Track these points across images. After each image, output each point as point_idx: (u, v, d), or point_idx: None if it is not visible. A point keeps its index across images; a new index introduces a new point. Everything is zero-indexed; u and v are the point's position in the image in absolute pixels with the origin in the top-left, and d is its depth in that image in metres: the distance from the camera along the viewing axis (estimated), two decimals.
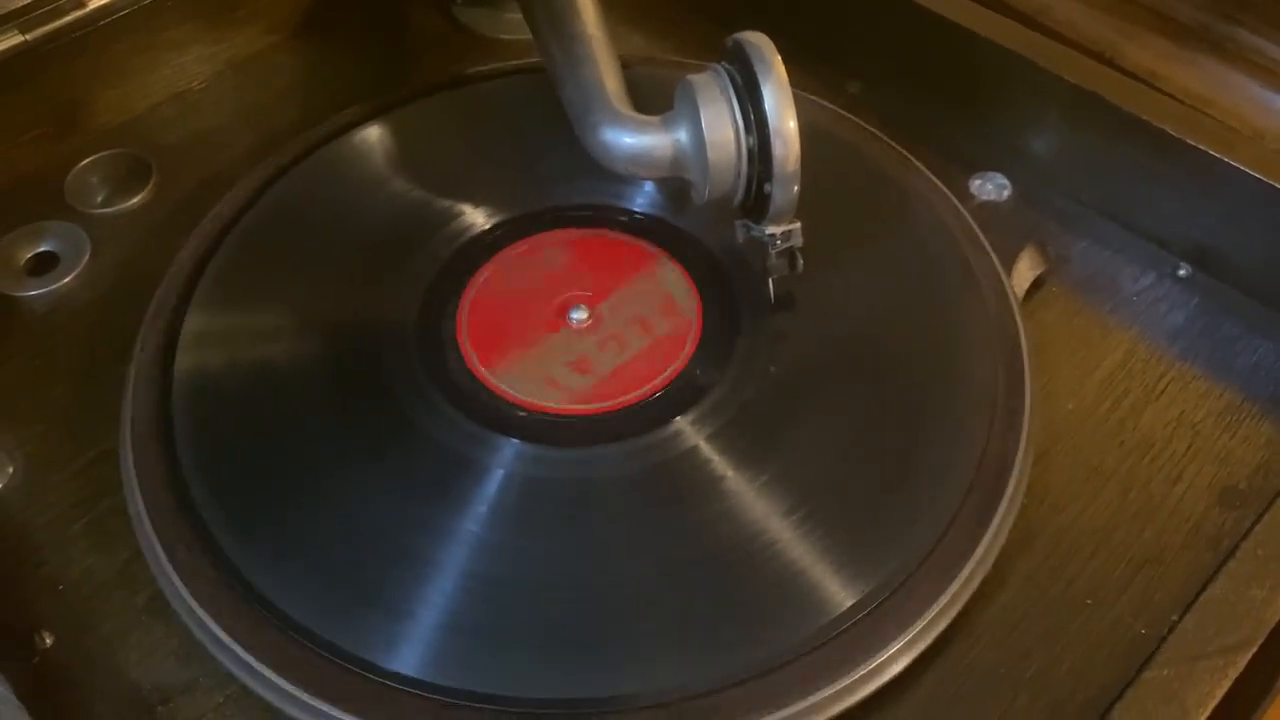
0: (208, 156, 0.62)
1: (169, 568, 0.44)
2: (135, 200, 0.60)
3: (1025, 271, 0.54)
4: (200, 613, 0.42)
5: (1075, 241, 0.56)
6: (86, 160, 0.61)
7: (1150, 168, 0.54)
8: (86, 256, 0.57)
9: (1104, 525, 0.46)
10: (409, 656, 0.41)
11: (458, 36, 0.69)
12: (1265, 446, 0.48)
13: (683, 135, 0.47)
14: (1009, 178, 0.58)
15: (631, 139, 0.47)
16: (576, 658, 0.41)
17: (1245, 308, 0.53)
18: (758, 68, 0.44)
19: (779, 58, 0.45)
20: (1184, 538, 0.46)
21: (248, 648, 0.41)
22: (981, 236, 0.53)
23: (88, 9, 0.61)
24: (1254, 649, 0.39)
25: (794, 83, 0.45)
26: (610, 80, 0.49)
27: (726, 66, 0.46)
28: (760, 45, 0.45)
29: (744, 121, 0.45)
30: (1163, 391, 0.50)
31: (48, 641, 0.44)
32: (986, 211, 0.57)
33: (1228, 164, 0.51)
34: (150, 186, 0.60)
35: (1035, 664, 0.43)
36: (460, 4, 0.69)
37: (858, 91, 0.63)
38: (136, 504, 0.45)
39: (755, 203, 0.47)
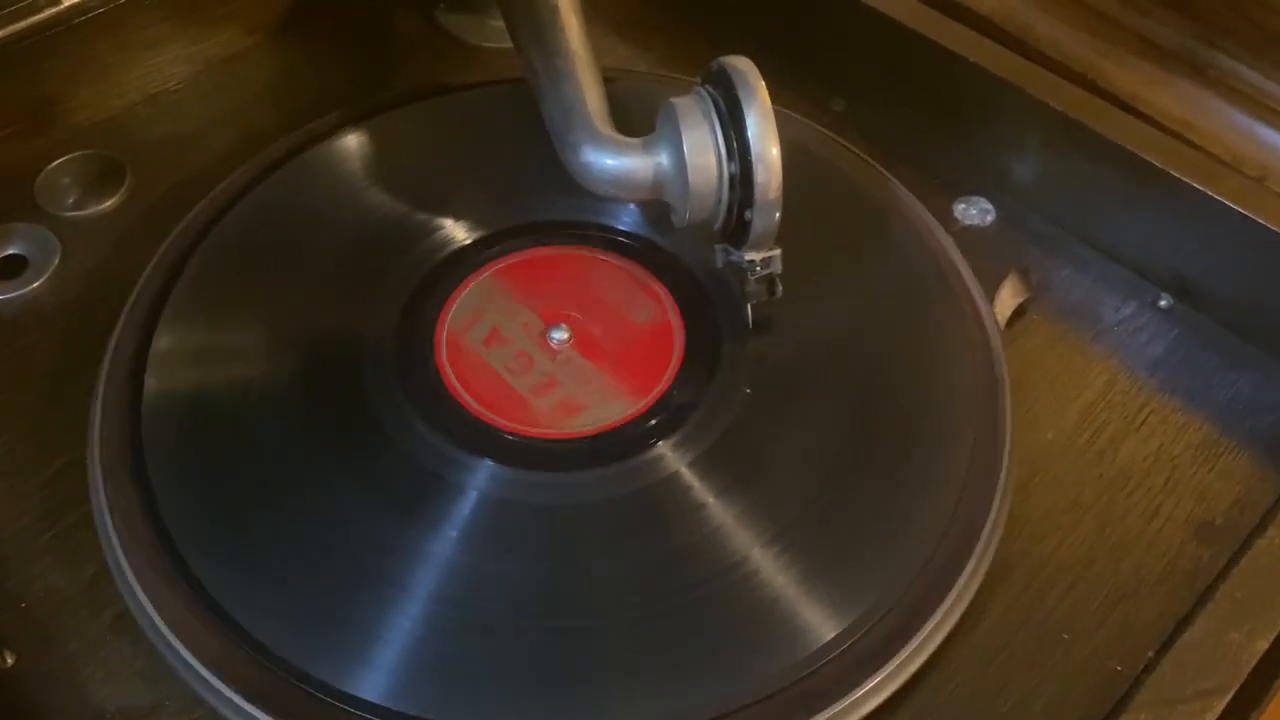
0: (184, 159, 0.61)
1: (136, 585, 0.43)
2: (108, 203, 0.59)
3: (1007, 299, 0.54)
4: (167, 633, 0.42)
5: (1058, 269, 0.56)
6: (58, 161, 0.60)
7: (1133, 197, 0.54)
8: (56, 260, 0.56)
9: (1082, 558, 0.46)
10: (377, 683, 0.40)
11: (440, 42, 0.68)
12: (1242, 481, 0.48)
13: (664, 159, 0.46)
14: (992, 201, 0.58)
15: (612, 161, 0.47)
16: (547, 690, 0.41)
17: (1224, 340, 0.53)
18: (741, 93, 0.44)
19: (763, 83, 0.44)
20: (1160, 573, 0.46)
21: (215, 670, 0.41)
22: (964, 263, 0.52)
23: (62, 6, 0.60)
24: (1231, 693, 0.39)
25: (778, 99, 0.45)
26: (592, 99, 0.48)
27: (709, 90, 0.46)
28: (744, 70, 0.44)
29: (726, 147, 0.45)
30: (1142, 423, 0.50)
31: (9, 660, 0.43)
32: (970, 236, 0.56)
33: (1210, 197, 0.51)
34: (124, 189, 0.59)
35: (1012, 698, 0.43)
36: (443, 9, 0.68)
37: (842, 109, 0.63)
38: (104, 519, 0.45)
39: (735, 228, 0.47)
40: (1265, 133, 0.60)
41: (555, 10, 0.51)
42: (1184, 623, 0.42)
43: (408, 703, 0.40)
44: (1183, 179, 0.51)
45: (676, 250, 0.53)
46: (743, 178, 0.45)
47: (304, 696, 0.40)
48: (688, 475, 0.46)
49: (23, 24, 0.59)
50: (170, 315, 0.50)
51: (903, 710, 0.42)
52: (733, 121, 0.44)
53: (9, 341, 0.53)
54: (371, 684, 0.40)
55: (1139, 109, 0.63)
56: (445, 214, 0.54)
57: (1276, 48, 0.59)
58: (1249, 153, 0.62)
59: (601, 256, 0.53)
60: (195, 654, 0.41)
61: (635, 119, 0.49)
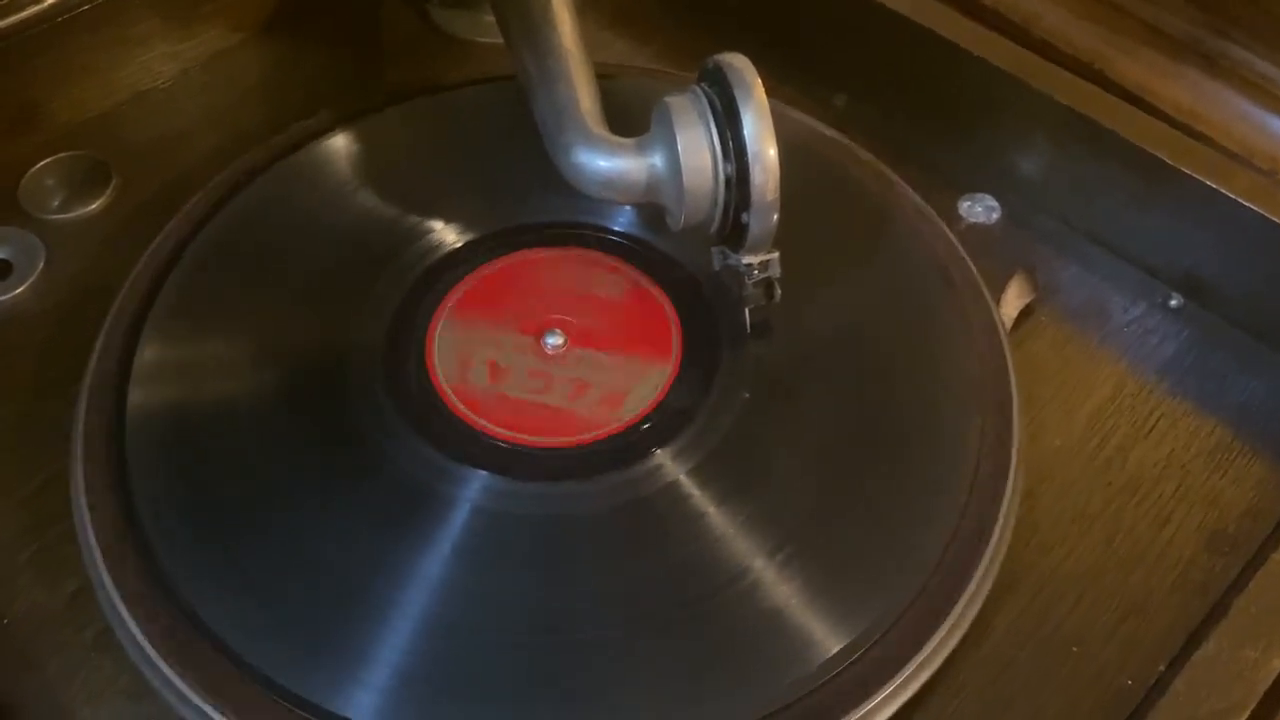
0: (171, 159, 0.60)
1: (119, 602, 0.42)
2: (94, 205, 0.58)
3: (1014, 300, 0.52)
4: (150, 652, 0.41)
5: (1065, 268, 0.54)
6: (42, 162, 0.59)
7: (1143, 194, 0.52)
8: (40, 265, 0.55)
9: (1090, 569, 0.45)
10: (365, 703, 0.39)
11: (432, 37, 0.66)
12: (1255, 488, 0.47)
13: (658, 160, 0.45)
14: (998, 199, 0.56)
15: (605, 162, 0.45)
16: (544, 709, 0.40)
17: (1236, 341, 0.52)
18: (738, 92, 0.42)
19: (759, 82, 0.43)
20: (1171, 583, 0.45)
21: (200, 690, 0.40)
22: (970, 263, 0.51)
23: (46, 4, 0.59)
24: (1247, 713, 0.38)
25: (778, 94, 0.43)
26: (585, 99, 0.47)
27: (705, 89, 0.45)
28: (741, 68, 0.43)
29: (722, 148, 0.43)
30: (1152, 428, 0.49)
31: None
32: (975, 234, 0.55)
33: (1223, 194, 0.49)
34: (110, 191, 0.58)
35: (1019, 714, 0.42)
36: (436, 4, 0.67)
37: (844, 105, 0.61)
38: (86, 535, 0.43)
39: (732, 231, 0.45)
40: (1277, 124, 0.59)
41: (548, 6, 0.49)
42: (1196, 636, 0.41)
43: None
44: (1194, 176, 0.50)
45: (673, 252, 0.52)
46: (739, 179, 0.43)
47: (293, 717, 0.39)
48: (687, 484, 0.45)
49: (4, 22, 0.58)
50: (154, 326, 0.49)
51: None
52: (729, 121, 0.43)
53: None
54: (362, 704, 0.39)
55: (1148, 100, 0.62)
56: (437, 217, 0.53)
57: None
58: (1260, 144, 0.61)
59: (597, 259, 0.52)
60: (179, 672, 0.40)
61: (633, 116, 0.48)
